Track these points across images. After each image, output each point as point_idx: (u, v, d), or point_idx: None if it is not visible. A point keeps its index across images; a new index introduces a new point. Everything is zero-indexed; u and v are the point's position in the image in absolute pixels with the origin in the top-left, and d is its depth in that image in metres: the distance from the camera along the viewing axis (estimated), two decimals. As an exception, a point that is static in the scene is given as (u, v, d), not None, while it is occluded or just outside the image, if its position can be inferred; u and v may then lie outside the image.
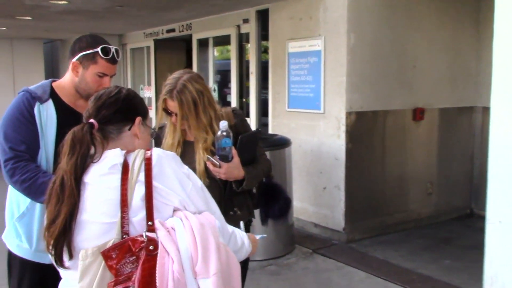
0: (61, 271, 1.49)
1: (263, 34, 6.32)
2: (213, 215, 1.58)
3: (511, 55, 2.94)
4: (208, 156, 2.28)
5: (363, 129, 5.23)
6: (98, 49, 2.25)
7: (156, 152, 1.49)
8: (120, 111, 1.59)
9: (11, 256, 2.33)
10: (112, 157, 1.48)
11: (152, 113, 8.93)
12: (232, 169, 2.28)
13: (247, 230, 2.54)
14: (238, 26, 6.45)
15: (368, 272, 4.44)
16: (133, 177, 1.42)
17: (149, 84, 9.04)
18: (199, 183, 1.58)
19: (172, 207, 1.44)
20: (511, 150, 2.96)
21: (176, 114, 2.28)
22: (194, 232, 1.36)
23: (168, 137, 2.39)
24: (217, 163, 2.26)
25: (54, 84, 2.34)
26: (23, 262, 2.28)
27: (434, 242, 5.26)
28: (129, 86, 9.51)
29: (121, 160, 1.47)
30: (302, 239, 5.29)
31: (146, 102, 9.61)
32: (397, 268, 4.55)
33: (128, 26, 8.38)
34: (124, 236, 1.36)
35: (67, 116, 2.22)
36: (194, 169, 2.31)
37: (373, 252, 4.94)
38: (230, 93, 7.15)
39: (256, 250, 1.95)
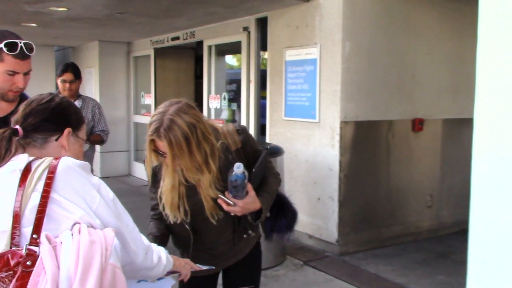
0: None
1: (263, 42, 6.26)
2: (126, 228, 1.51)
3: (493, 64, 2.83)
4: (220, 195, 2.07)
5: (358, 139, 5.13)
6: (2, 45, 2.08)
7: (64, 161, 1.41)
8: (48, 120, 1.54)
9: None
10: (15, 163, 1.42)
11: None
12: (248, 205, 2.10)
13: (257, 249, 2.40)
14: (249, 33, 6.35)
15: (357, 286, 4.32)
16: (31, 186, 1.35)
17: (150, 92, 9.05)
18: (111, 195, 1.50)
19: (73, 220, 1.36)
20: (495, 163, 2.85)
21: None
22: (79, 250, 1.28)
23: (167, 179, 2.09)
24: (231, 202, 2.06)
25: None
26: None
27: (430, 257, 5.10)
28: (131, 93, 9.58)
29: (22, 166, 1.40)
30: (295, 251, 5.18)
31: (146, 109, 9.47)
32: (388, 283, 4.42)
33: (134, 34, 8.40)
34: (12, 248, 1.29)
35: None
36: (202, 208, 2.12)
37: (366, 265, 4.81)
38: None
39: (184, 268, 1.92)
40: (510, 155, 2.71)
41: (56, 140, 1.55)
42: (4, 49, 2.08)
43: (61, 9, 5.90)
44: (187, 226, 2.18)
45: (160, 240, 2.18)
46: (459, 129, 5.74)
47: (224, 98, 7.14)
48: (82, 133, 1.66)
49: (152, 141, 1.98)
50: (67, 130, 1.57)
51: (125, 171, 9.65)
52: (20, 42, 2.11)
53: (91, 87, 9.71)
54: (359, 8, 5.01)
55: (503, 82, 2.76)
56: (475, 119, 2.91)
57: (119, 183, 8.93)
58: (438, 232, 5.80)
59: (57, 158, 1.42)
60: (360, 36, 5.04)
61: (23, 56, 2.12)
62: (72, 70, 4.71)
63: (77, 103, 4.64)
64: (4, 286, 1.22)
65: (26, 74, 2.18)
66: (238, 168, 2.00)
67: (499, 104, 2.78)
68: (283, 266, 4.79)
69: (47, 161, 1.41)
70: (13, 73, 2.13)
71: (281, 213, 2.41)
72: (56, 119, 1.56)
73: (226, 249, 2.28)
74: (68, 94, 4.62)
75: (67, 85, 4.67)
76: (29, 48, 2.15)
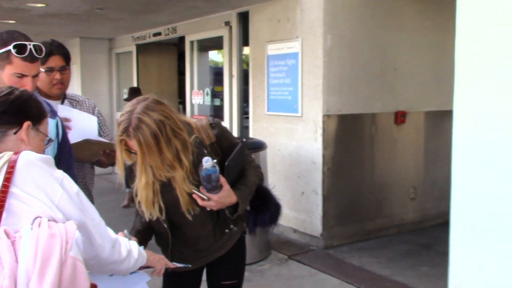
0: None
1: (244, 36, 6.23)
2: (92, 221, 1.49)
3: (472, 57, 2.84)
4: (194, 190, 2.04)
5: (341, 133, 5.12)
6: (10, 47, 2.03)
7: (24, 155, 1.40)
8: (6, 113, 1.52)
9: None
10: None
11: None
12: (223, 199, 2.07)
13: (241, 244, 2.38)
14: (231, 27, 6.31)
15: (341, 279, 4.32)
16: None
17: (132, 88, 8.94)
18: (75, 189, 1.48)
19: (34, 214, 1.35)
20: (474, 155, 2.86)
21: None
22: (38, 243, 1.26)
23: (142, 177, 2.02)
24: (205, 197, 2.03)
25: None
26: None
27: (414, 248, 5.13)
28: (114, 90, 9.49)
29: None
30: (280, 245, 5.18)
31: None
32: (372, 275, 4.43)
33: (115, 30, 8.31)
34: None
35: None
36: (178, 203, 2.09)
37: (350, 258, 4.82)
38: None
39: (158, 263, 1.91)
40: (487, 146, 2.73)
41: (15, 133, 1.54)
42: (13, 51, 2.02)
43: (39, 5, 5.83)
44: (164, 224, 2.15)
45: (142, 234, 2.15)
46: (442, 122, 5.75)
47: (207, 93, 7.10)
48: (44, 127, 1.64)
49: (123, 141, 1.95)
50: (26, 124, 1.55)
51: (108, 169, 9.52)
52: (30, 44, 2.05)
53: (73, 85, 9.59)
54: (339, 1, 5.00)
55: (481, 75, 2.77)
56: (454, 111, 2.92)
57: (102, 181, 8.81)
58: (422, 224, 5.83)
59: (17, 153, 1.41)
60: (342, 29, 5.03)
61: (32, 59, 2.06)
62: (60, 51, 2.76)
63: (67, 105, 2.86)
64: None
65: (35, 76, 2.11)
66: (207, 162, 1.97)
67: (477, 96, 2.79)
68: (268, 260, 4.79)
69: (6, 155, 1.40)
70: (21, 76, 2.06)
71: (264, 206, 2.37)
72: (15, 112, 1.55)
73: (208, 245, 2.25)
74: (59, 89, 2.80)
75: (57, 75, 2.74)
76: (39, 50, 2.08)
